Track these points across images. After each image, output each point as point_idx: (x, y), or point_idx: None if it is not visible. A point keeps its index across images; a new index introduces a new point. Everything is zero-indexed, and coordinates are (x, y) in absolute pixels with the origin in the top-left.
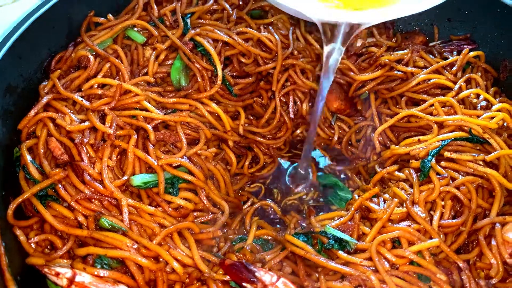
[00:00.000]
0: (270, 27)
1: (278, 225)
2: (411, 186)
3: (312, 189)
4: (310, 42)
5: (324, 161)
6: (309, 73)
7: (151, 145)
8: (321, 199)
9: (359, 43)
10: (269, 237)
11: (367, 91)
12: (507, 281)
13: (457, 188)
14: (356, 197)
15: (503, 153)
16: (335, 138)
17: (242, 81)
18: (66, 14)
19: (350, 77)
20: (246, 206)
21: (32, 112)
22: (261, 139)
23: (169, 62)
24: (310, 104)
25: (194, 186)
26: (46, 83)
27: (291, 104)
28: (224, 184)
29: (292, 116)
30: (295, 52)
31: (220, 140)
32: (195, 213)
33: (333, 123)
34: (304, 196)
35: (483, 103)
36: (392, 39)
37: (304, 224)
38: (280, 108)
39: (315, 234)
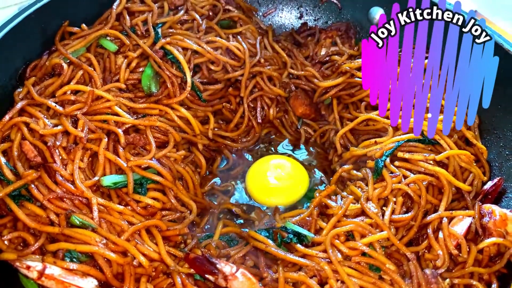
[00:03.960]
0: (239, 36)
1: (244, 222)
2: (368, 184)
3: None
4: (277, 51)
5: None
6: (275, 80)
7: (121, 148)
8: None
9: (323, 52)
10: (235, 235)
11: (330, 97)
12: (453, 270)
13: (408, 185)
14: (317, 195)
15: (452, 153)
16: (302, 141)
17: (211, 87)
18: (41, 24)
19: (315, 84)
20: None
21: (7, 117)
22: (230, 142)
23: (140, 69)
24: (277, 109)
25: (163, 186)
26: (21, 89)
27: (258, 109)
28: (192, 185)
29: (259, 120)
30: (262, 60)
31: (190, 144)
32: (163, 212)
33: (299, 127)
34: None
35: None
36: (354, 47)
37: (269, 221)
38: (248, 113)
39: (276, 229)
